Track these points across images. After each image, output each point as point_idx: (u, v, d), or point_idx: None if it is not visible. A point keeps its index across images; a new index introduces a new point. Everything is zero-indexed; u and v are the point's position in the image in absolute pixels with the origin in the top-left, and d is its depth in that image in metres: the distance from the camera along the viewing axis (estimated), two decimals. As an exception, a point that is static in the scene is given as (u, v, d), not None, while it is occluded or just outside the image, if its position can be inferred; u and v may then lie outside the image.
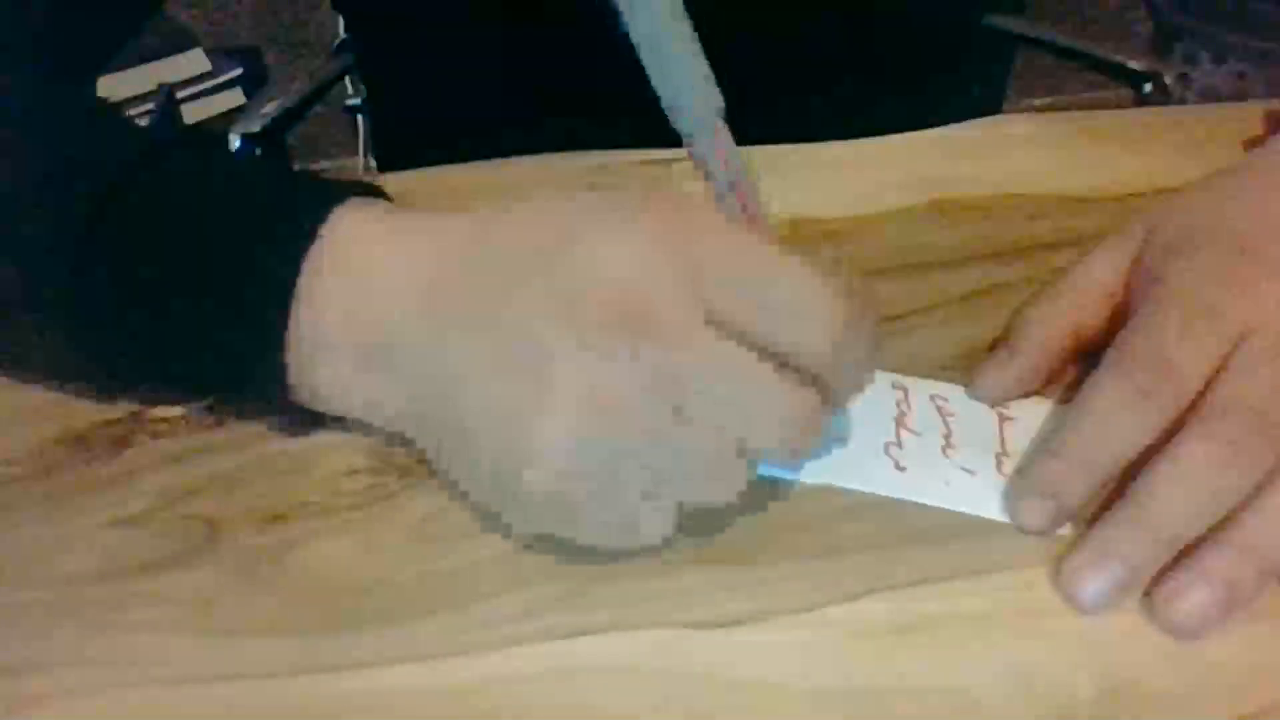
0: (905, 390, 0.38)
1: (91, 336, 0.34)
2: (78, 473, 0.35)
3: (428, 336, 0.31)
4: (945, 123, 0.54)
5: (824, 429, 0.31)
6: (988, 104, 0.79)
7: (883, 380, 0.39)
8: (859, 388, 0.32)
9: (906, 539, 0.33)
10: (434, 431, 0.32)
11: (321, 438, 0.36)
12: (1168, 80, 0.84)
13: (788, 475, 0.35)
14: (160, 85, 1.47)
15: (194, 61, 1.54)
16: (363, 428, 0.35)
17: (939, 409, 0.38)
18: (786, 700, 0.29)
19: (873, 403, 0.37)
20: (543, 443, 0.29)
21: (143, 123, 1.40)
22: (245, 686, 0.29)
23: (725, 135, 0.31)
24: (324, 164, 1.76)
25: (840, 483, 0.35)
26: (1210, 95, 1.77)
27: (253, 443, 0.36)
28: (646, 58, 0.29)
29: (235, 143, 0.78)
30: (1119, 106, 0.79)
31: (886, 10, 0.63)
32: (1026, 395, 0.38)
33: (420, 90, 0.70)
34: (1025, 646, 0.30)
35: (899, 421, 0.37)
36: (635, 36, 0.29)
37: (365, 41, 0.78)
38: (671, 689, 0.29)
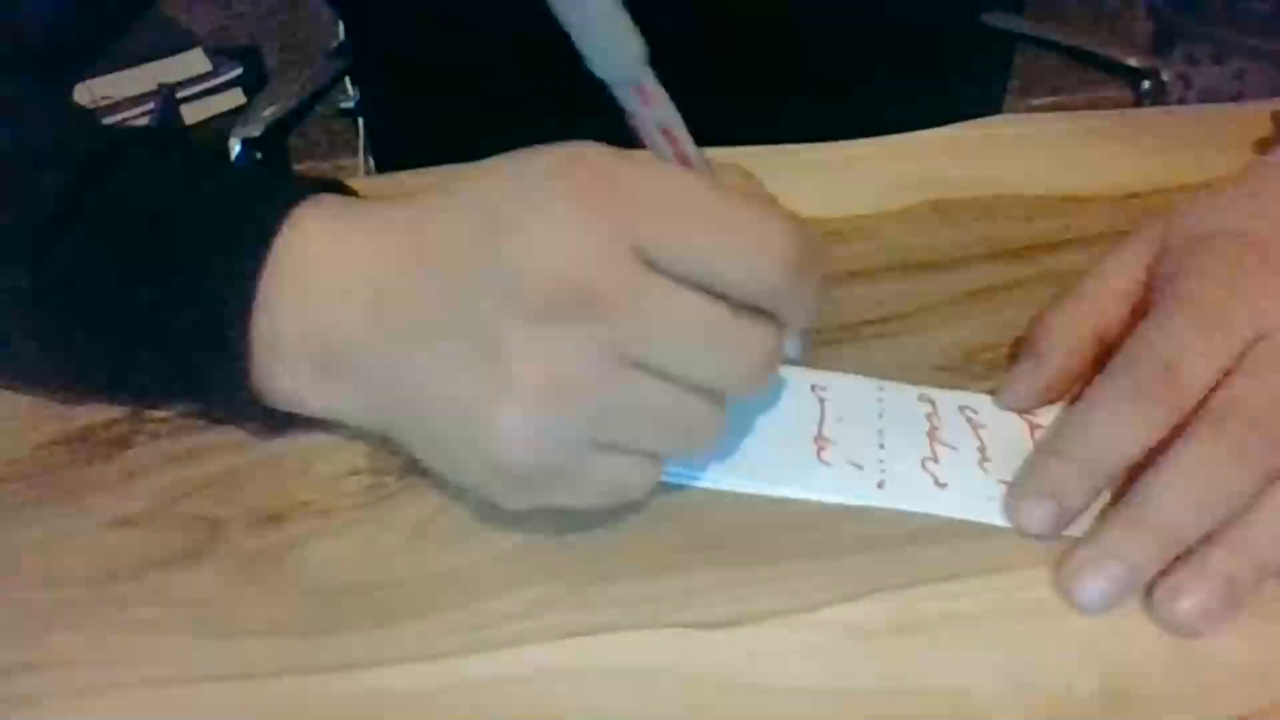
0: (933, 403, 0.38)
1: (55, 343, 0.34)
2: (78, 473, 0.35)
3: (380, 345, 0.31)
4: (945, 123, 0.54)
5: (779, 360, 0.31)
6: (988, 104, 0.79)
7: (909, 393, 0.38)
8: (811, 318, 0.32)
9: (906, 539, 0.33)
10: (403, 433, 0.33)
11: (321, 438, 0.36)
12: (1167, 80, 0.84)
13: (825, 496, 0.34)
14: (160, 85, 1.47)
15: (194, 61, 1.54)
16: (356, 429, 0.35)
17: (969, 420, 0.37)
18: (787, 700, 0.29)
19: (903, 417, 0.37)
20: (509, 429, 0.29)
21: (142, 123, 1.41)
22: (245, 686, 0.29)
23: (651, 81, 0.31)
24: (324, 166, 1.76)
25: (882, 504, 0.34)
26: (1210, 95, 1.77)
27: (253, 443, 0.36)
28: (560, 9, 0.29)
29: (236, 147, 0.78)
30: (1119, 106, 0.79)
31: (886, 10, 0.63)
32: (1054, 402, 0.38)
33: (418, 90, 0.70)
34: (1025, 646, 0.30)
35: (932, 436, 0.37)
36: None
37: (364, 41, 0.78)
38: (672, 689, 0.29)
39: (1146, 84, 0.85)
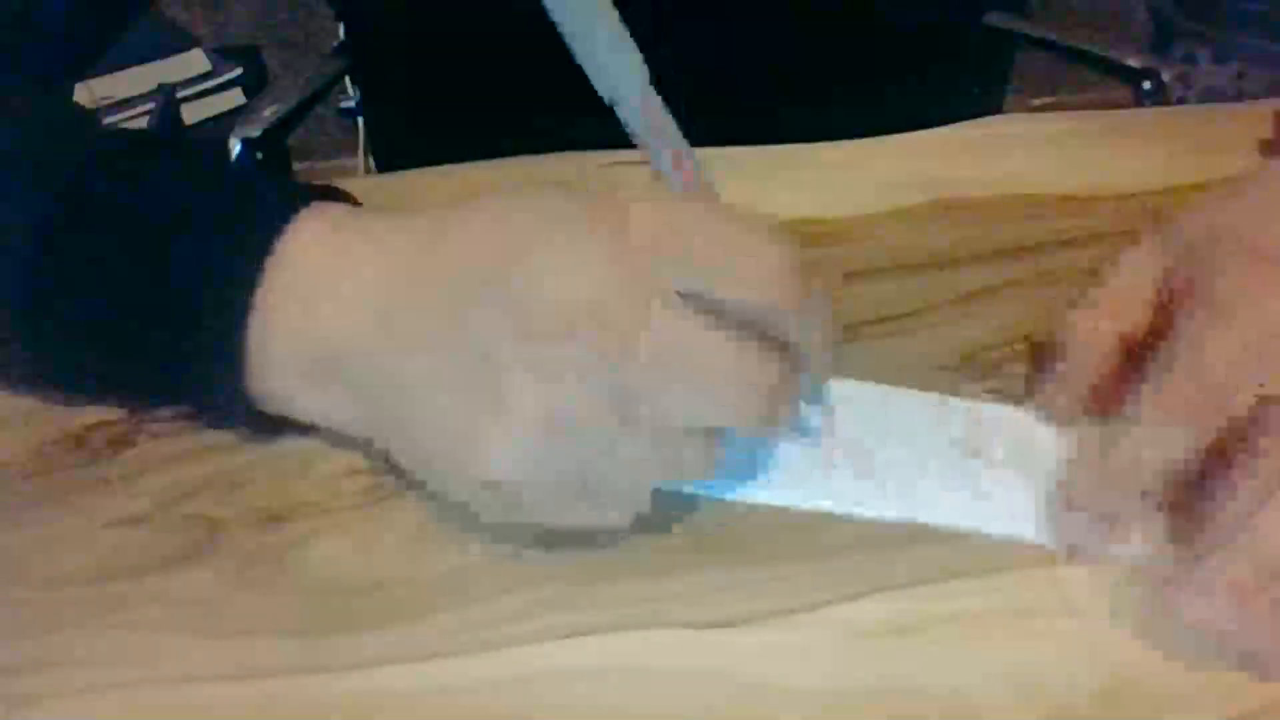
0: (972, 415, 0.37)
1: (49, 347, 0.34)
2: (78, 473, 0.35)
3: (377, 354, 0.31)
4: (945, 123, 0.54)
5: (792, 395, 0.31)
6: (988, 104, 0.79)
7: (948, 405, 0.38)
8: (824, 345, 0.32)
9: (907, 539, 0.33)
10: (390, 441, 0.33)
11: (321, 438, 0.36)
12: (1167, 80, 0.84)
13: (863, 512, 0.34)
14: (160, 85, 1.47)
15: (194, 61, 1.54)
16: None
17: (1009, 434, 0.36)
18: (786, 700, 0.29)
19: (942, 430, 0.37)
20: (497, 452, 0.29)
21: (142, 123, 1.40)
22: (245, 686, 0.29)
23: (656, 105, 0.31)
24: (323, 165, 1.76)
25: (920, 518, 0.34)
26: (1210, 95, 1.77)
27: (253, 443, 0.36)
28: (566, 32, 0.29)
29: (236, 147, 0.78)
30: (1119, 106, 0.79)
31: (886, 10, 0.63)
32: (1087, 411, 0.37)
33: (418, 91, 0.70)
34: (1025, 646, 0.30)
35: (971, 449, 0.36)
36: (553, 14, 0.28)
37: (363, 42, 0.78)
38: (671, 689, 0.29)
39: (1147, 84, 0.85)
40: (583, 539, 0.32)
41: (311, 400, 0.33)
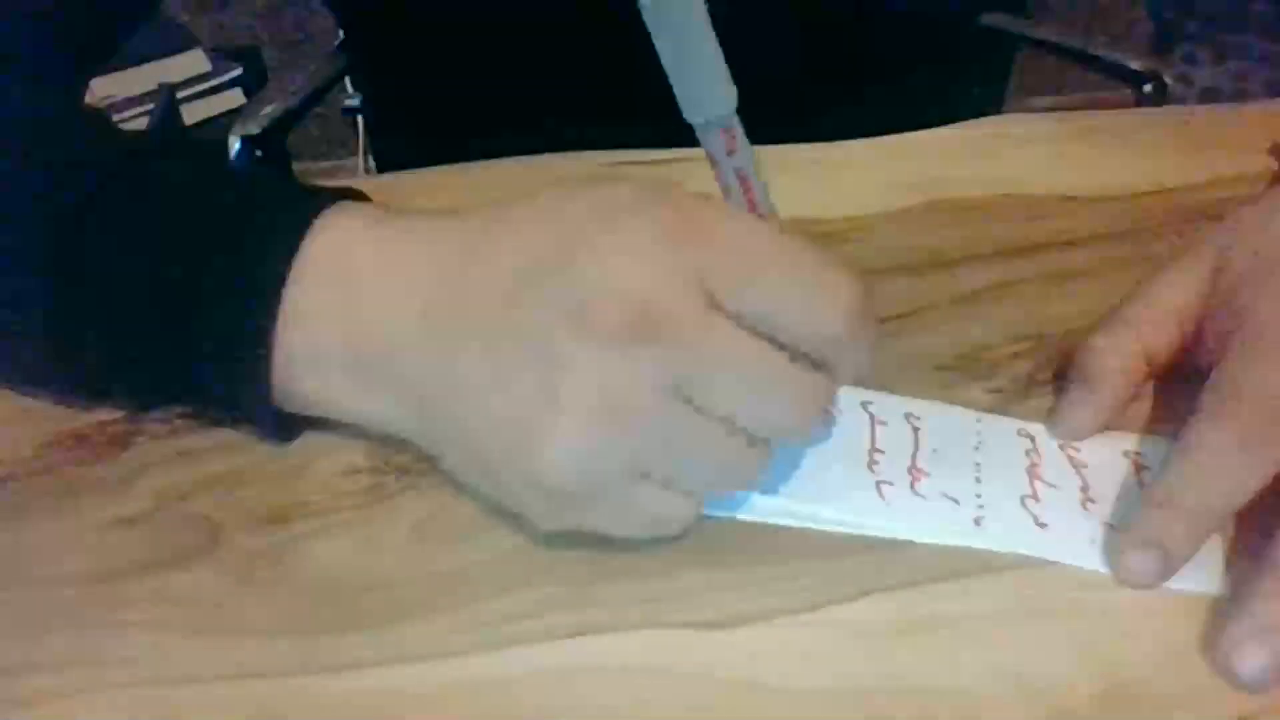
0: (1033, 438, 0.37)
1: (70, 348, 0.34)
2: (78, 473, 0.35)
3: (431, 350, 0.31)
4: (945, 123, 0.54)
5: (831, 412, 0.32)
6: (988, 104, 0.79)
7: (1008, 426, 0.37)
8: (862, 372, 0.32)
9: (906, 539, 0.33)
10: (439, 440, 0.33)
11: (321, 438, 0.36)
12: (1168, 80, 0.84)
13: (918, 536, 0.33)
14: (160, 85, 1.47)
15: (194, 61, 1.55)
16: (362, 428, 0.35)
17: (1071, 458, 0.36)
18: (786, 700, 0.29)
19: (1003, 452, 0.36)
20: (556, 447, 0.29)
21: (142, 123, 1.40)
22: (245, 686, 0.29)
23: (738, 131, 0.31)
24: (324, 165, 1.76)
25: (979, 543, 0.33)
26: (1210, 95, 1.77)
27: (253, 443, 0.36)
28: (665, 49, 0.29)
29: (235, 145, 0.78)
30: (1119, 106, 0.79)
31: (886, 10, 0.63)
32: (1107, 428, 0.37)
33: (418, 91, 0.70)
34: (1025, 646, 0.30)
35: (1032, 473, 0.35)
36: (655, 27, 0.29)
37: (362, 42, 0.78)
38: (672, 689, 0.29)
39: (1147, 85, 0.85)
40: (592, 538, 0.32)
41: (354, 401, 0.33)
